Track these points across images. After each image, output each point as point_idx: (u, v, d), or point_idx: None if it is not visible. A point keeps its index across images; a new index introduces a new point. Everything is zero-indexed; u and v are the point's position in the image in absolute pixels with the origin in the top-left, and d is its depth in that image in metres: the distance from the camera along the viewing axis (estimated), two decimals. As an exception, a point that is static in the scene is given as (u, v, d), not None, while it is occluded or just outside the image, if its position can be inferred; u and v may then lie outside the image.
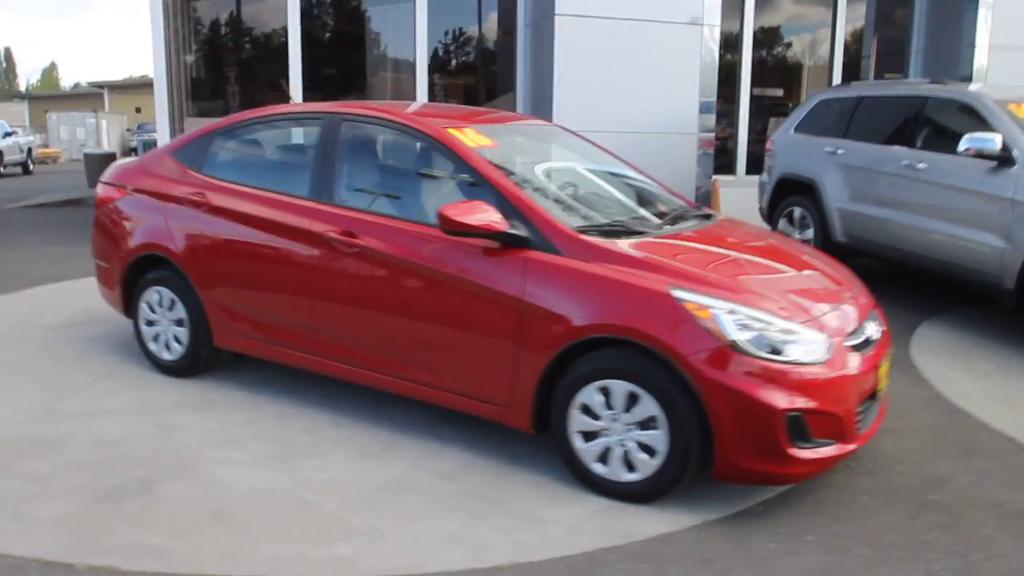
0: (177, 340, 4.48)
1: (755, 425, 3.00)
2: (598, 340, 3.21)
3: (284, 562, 2.79)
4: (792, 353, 3.04)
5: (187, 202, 4.34)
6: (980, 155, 5.65)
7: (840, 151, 7.15)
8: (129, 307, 4.71)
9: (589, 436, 3.30)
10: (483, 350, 3.46)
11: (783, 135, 8.04)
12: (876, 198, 6.68)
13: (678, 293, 3.12)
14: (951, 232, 5.90)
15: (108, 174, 4.91)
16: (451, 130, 3.79)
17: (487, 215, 3.36)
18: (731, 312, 3.06)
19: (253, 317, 4.17)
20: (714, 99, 9.23)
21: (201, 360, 4.47)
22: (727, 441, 3.03)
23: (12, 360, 4.80)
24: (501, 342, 3.40)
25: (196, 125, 5.83)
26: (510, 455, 3.65)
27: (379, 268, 3.70)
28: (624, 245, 3.39)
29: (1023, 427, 4.08)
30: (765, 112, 10.85)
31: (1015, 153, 5.52)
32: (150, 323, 4.58)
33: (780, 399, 2.98)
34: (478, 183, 3.59)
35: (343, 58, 9.86)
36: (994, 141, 5.56)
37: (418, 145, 3.99)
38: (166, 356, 4.54)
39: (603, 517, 3.15)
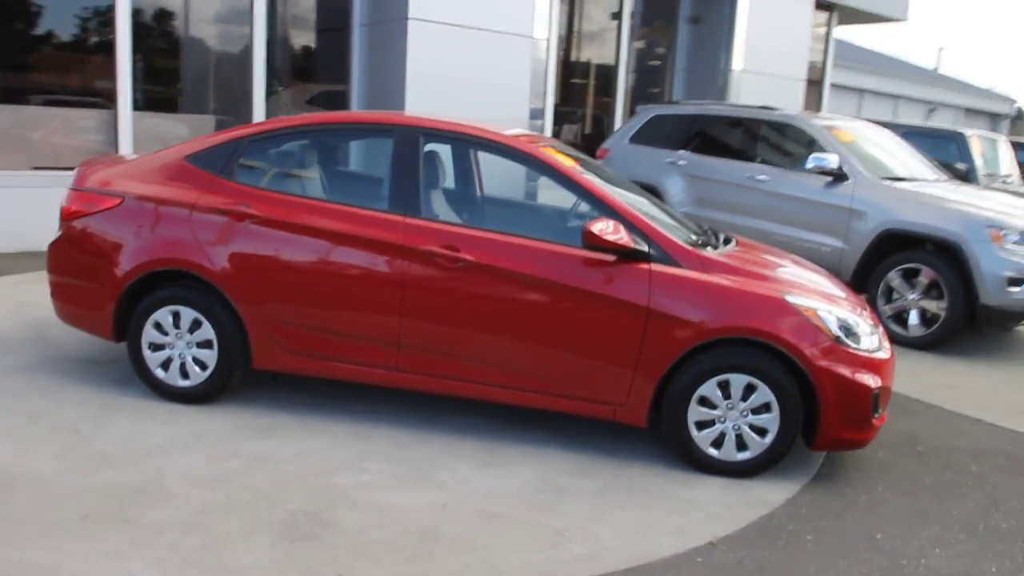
0: (199, 364, 4.10)
1: (854, 403, 3.70)
2: (719, 340, 3.70)
3: (538, 567, 2.92)
4: (865, 343, 3.79)
5: (225, 213, 3.99)
6: (820, 171, 6.97)
7: (682, 162, 8.23)
8: (118, 331, 4.18)
9: (703, 425, 3.78)
10: (604, 355, 3.77)
11: (618, 145, 8.98)
12: (720, 204, 7.83)
13: (790, 298, 3.72)
14: (794, 235, 7.18)
15: (83, 180, 4.27)
16: (549, 150, 4.00)
17: (621, 233, 3.68)
18: (829, 312, 3.74)
19: (313, 334, 3.99)
20: (542, 106, 9.94)
21: (230, 385, 4.14)
22: (832, 418, 3.69)
23: (-38, 401, 4.02)
24: (624, 347, 3.74)
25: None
26: (605, 450, 3.99)
27: (489, 282, 3.81)
28: (725, 257, 3.90)
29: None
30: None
31: (847, 170, 6.92)
32: (157, 347, 4.12)
33: (870, 380, 3.72)
34: (592, 204, 3.87)
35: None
36: (832, 160, 6.91)
37: (516, 165, 4.11)
38: (182, 383, 4.13)
39: (734, 492, 3.66)
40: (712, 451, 3.79)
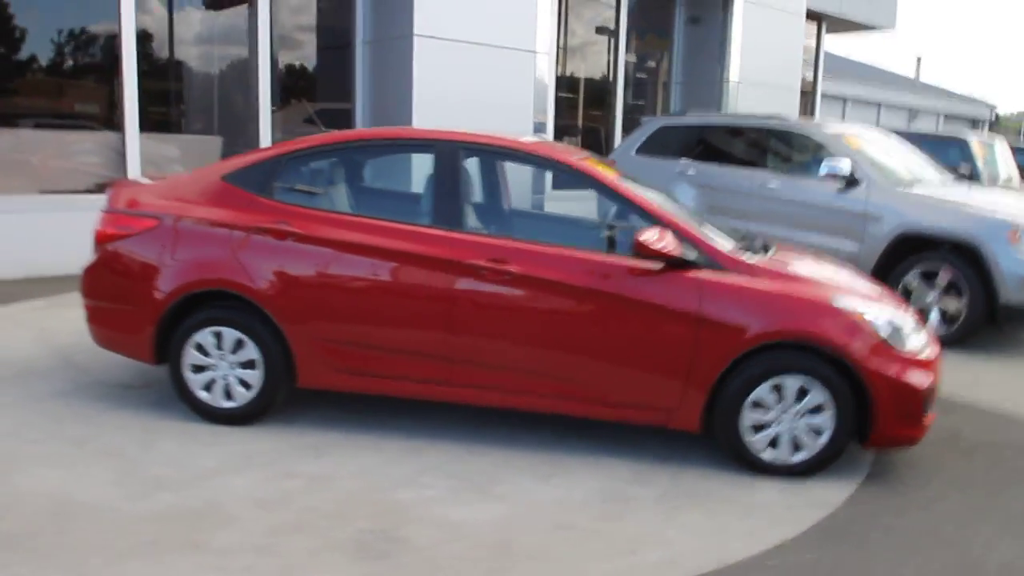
0: (244, 384, 4.06)
1: (906, 402, 3.72)
2: (769, 344, 3.70)
3: (622, 573, 2.90)
4: (912, 343, 3.81)
5: (267, 232, 3.96)
6: (834, 177, 7.03)
7: (691, 171, 8.28)
8: (158, 353, 4.14)
9: (757, 428, 3.77)
10: (655, 363, 3.76)
11: (624, 155, 9.01)
12: (732, 212, 7.86)
13: (839, 302, 3.74)
14: (808, 240, 7.22)
15: (117, 202, 4.23)
16: (591, 162, 4.01)
17: (671, 242, 3.69)
18: (877, 314, 3.76)
19: (360, 352, 3.96)
20: (545, 120, 9.98)
21: (274, 404, 4.10)
22: (886, 417, 3.70)
23: (19, 425, 3.94)
24: (676, 354, 3.73)
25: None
26: (658, 456, 3.98)
27: (536, 293, 3.80)
28: (769, 262, 3.92)
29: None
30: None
31: (860, 175, 6.98)
32: (199, 368, 4.08)
33: (920, 379, 3.74)
34: (638, 214, 3.88)
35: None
36: (845, 166, 6.97)
37: (566, 178, 4.12)
38: (227, 404, 4.08)
39: (792, 493, 3.65)
40: (767, 454, 3.79)
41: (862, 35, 15.89)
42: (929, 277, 6.48)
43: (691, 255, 3.76)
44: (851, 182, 7.00)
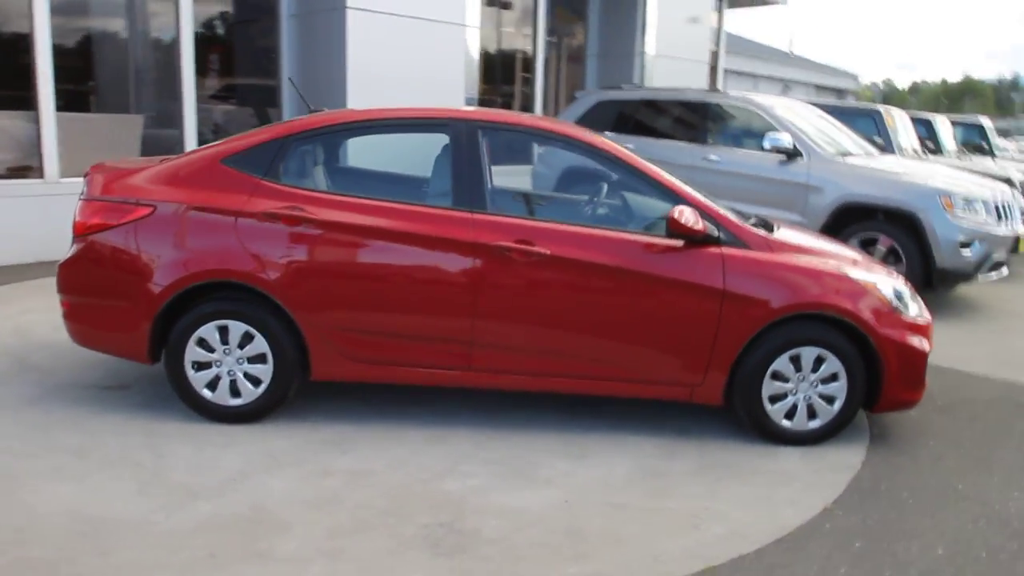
0: (252, 380, 3.85)
1: (912, 366, 3.93)
2: (790, 317, 3.82)
3: (696, 551, 2.94)
4: (912, 311, 4.02)
5: (276, 217, 3.75)
6: (777, 150, 7.29)
7: (630, 146, 8.36)
8: (154, 351, 3.87)
9: (775, 399, 3.90)
10: (681, 338, 3.82)
11: (561, 131, 9.02)
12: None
13: (852, 273, 3.90)
14: (753, 212, 7.46)
15: (102, 188, 3.89)
16: (607, 140, 3.99)
17: (699, 220, 3.73)
18: (886, 283, 3.94)
19: (379, 340, 3.83)
20: (475, 96, 9.85)
21: (285, 399, 3.92)
22: (893, 381, 3.90)
23: (1, 438, 3.60)
24: (701, 329, 3.80)
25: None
26: (676, 430, 4.06)
27: (564, 274, 3.77)
28: (784, 237, 4.03)
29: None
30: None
31: (801, 148, 7.27)
32: (201, 366, 3.84)
33: (922, 344, 3.95)
34: (661, 192, 3.90)
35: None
36: (786, 139, 7.24)
37: (579, 156, 4.07)
38: (234, 402, 3.86)
39: (812, 459, 3.80)
40: (785, 422, 3.92)
41: (756, 10, 16.47)
42: (868, 245, 6.83)
43: (715, 232, 3.82)
44: (792, 154, 7.28)
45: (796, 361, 3.86)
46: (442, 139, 3.92)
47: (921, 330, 3.97)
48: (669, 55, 12.59)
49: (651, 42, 12.29)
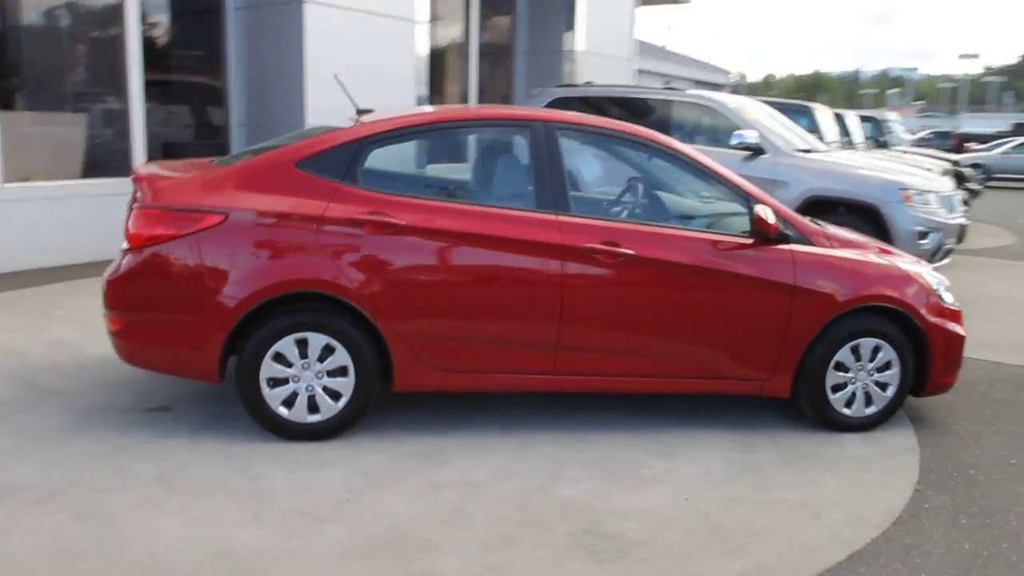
0: (331, 395, 3.70)
1: (954, 351, 4.22)
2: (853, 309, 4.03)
3: (833, 538, 3.07)
4: (948, 298, 4.32)
5: (359, 224, 3.61)
6: (743, 147, 7.59)
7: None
8: (223, 368, 3.66)
9: (837, 388, 4.10)
10: (756, 333, 3.95)
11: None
12: (638, 182, 8.22)
13: (902, 265, 4.14)
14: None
15: (163, 195, 3.62)
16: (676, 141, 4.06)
17: (775, 219, 3.87)
18: (931, 274, 4.22)
19: (464, 347, 3.76)
20: (426, 93, 9.72)
21: (365, 413, 3.78)
22: (938, 367, 4.18)
23: (67, 471, 3.29)
24: (774, 324, 3.95)
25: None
26: (741, 423, 4.19)
27: (648, 274, 3.82)
28: (839, 233, 4.23)
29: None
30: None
31: (764, 145, 7.60)
32: (277, 382, 3.66)
33: (961, 330, 4.25)
34: (734, 193, 4.00)
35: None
36: (752, 136, 7.55)
37: (653, 157, 4.10)
38: (312, 418, 3.70)
39: (874, 444, 4.02)
40: (845, 410, 4.12)
41: (668, 8, 16.97)
42: (832, 236, 7.22)
43: (787, 230, 3.97)
44: (757, 151, 7.59)
45: (855, 351, 4.07)
46: (516, 140, 3.89)
47: (957, 316, 4.27)
48: (596, 52, 12.82)
49: (580, 39, 12.47)
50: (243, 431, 3.80)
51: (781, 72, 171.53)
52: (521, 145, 3.90)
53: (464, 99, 11.93)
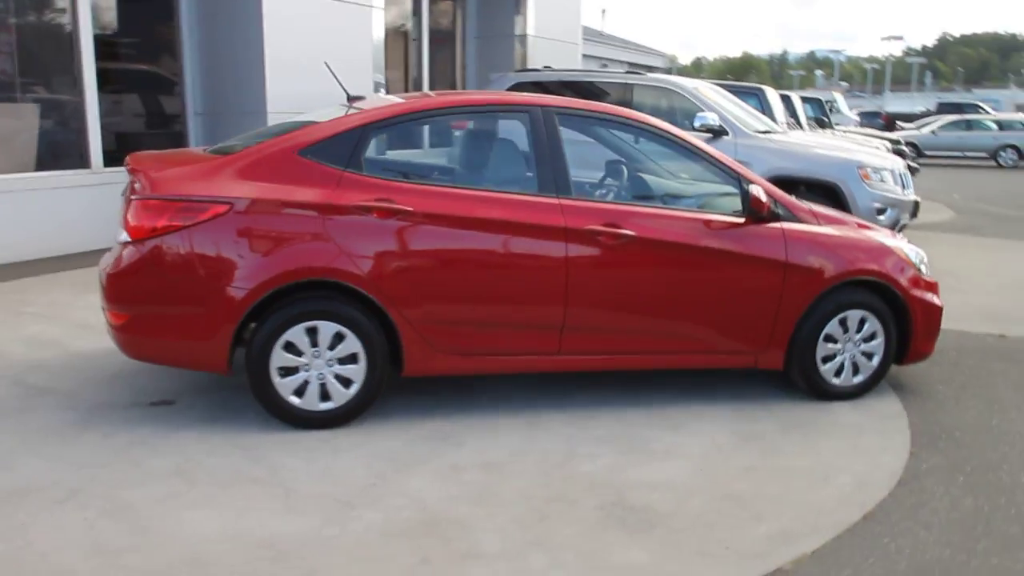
0: (343, 382, 3.71)
1: (933, 321, 4.43)
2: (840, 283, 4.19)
3: (847, 500, 3.21)
4: (925, 270, 4.53)
5: (367, 210, 3.61)
6: (706, 129, 7.76)
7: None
8: (230, 360, 3.63)
9: (826, 359, 4.27)
10: (752, 309, 4.09)
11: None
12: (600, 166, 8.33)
13: (885, 240, 4.33)
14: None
15: (164, 186, 3.55)
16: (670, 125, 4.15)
17: (767, 198, 4.00)
18: (911, 248, 4.42)
19: (472, 330, 3.81)
20: (383, 79, 9.65)
21: (375, 399, 3.80)
22: (919, 336, 4.39)
23: (81, 467, 3.22)
24: (768, 299, 4.09)
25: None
26: (733, 395, 4.33)
27: (649, 254, 3.92)
28: (822, 210, 4.39)
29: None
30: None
31: (726, 126, 7.79)
32: (287, 371, 3.64)
33: (938, 300, 4.47)
34: (726, 174, 4.12)
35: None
36: (714, 119, 7.73)
37: (650, 140, 4.18)
38: (324, 406, 3.70)
39: (864, 411, 4.19)
40: (835, 380, 4.30)
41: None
42: (793, 214, 7.45)
43: (775, 208, 4.11)
44: (718, 133, 7.77)
45: (843, 323, 4.24)
46: (515, 124, 3.93)
47: (934, 287, 4.48)
48: (545, 36, 12.87)
49: (530, 24, 12.50)
50: (251, 421, 3.78)
51: (710, 55, 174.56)
52: (521, 130, 3.94)
53: (417, 85, 11.87)
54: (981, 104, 31.85)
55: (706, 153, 4.19)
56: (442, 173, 4.03)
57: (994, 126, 23.84)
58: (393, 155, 3.93)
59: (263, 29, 7.91)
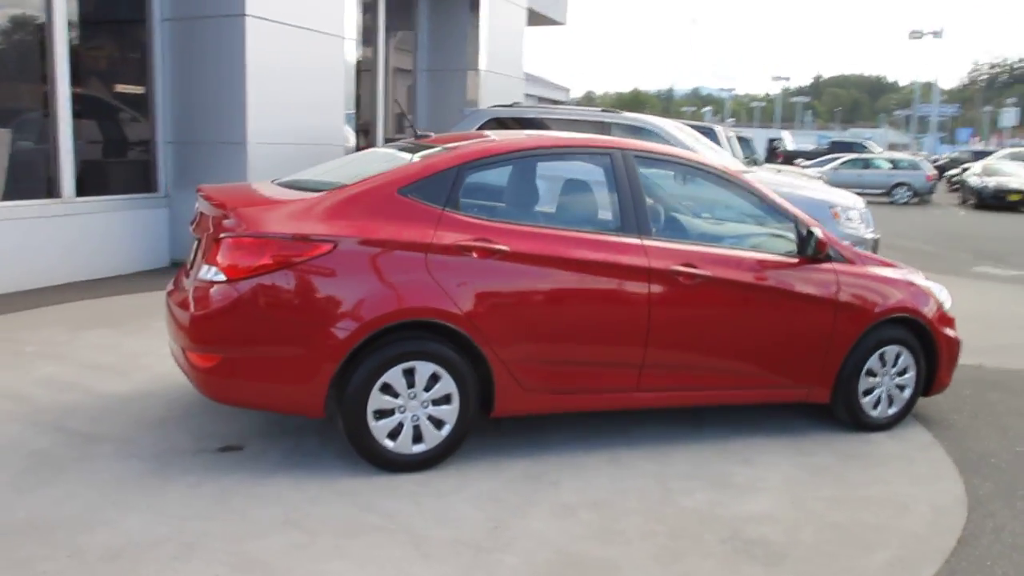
0: (435, 423, 3.69)
1: (953, 354, 4.78)
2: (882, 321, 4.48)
3: (936, 523, 3.43)
4: (948, 306, 4.87)
5: (468, 250, 3.63)
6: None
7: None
8: (326, 404, 3.56)
9: (867, 392, 4.54)
10: (808, 345, 4.31)
11: (453, 148, 9.11)
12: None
13: (916, 280, 4.65)
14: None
15: (267, 225, 3.46)
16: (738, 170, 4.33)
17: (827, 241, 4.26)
18: (939, 288, 4.76)
19: (560, 369, 3.86)
20: (353, 111, 9.58)
21: (463, 441, 3.79)
22: (943, 369, 4.72)
23: (206, 523, 3.08)
24: (821, 336, 4.33)
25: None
26: (778, 428, 4.54)
27: (719, 294, 4.08)
28: (858, 250, 4.68)
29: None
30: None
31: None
32: (382, 414, 3.60)
33: (957, 335, 4.82)
34: (788, 219, 4.34)
35: None
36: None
37: (719, 187, 4.35)
38: (417, 448, 3.66)
39: (902, 440, 4.48)
40: (873, 412, 4.56)
41: (545, 29, 17.54)
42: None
43: (830, 251, 4.36)
44: (695, 172, 8.09)
45: (882, 358, 4.52)
46: (597, 166, 4.06)
47: (953, 323, 4.83)
48: (495, 71, 13.06)
49: (483, 58, 12.66)
50: (334, 465, 3.71)
51: (599, 89, 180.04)
52: (603, 172, 4.06)
53: (374, 118, 11.80)
54: (869, 144, 34.05)
55: (767, 197, 4.40)
56: (532, 213, 4.08)
57: (887, 165, 25.55)
58: (486, 194, 3.95)
59: (246, 60, 7.74)
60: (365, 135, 11.53)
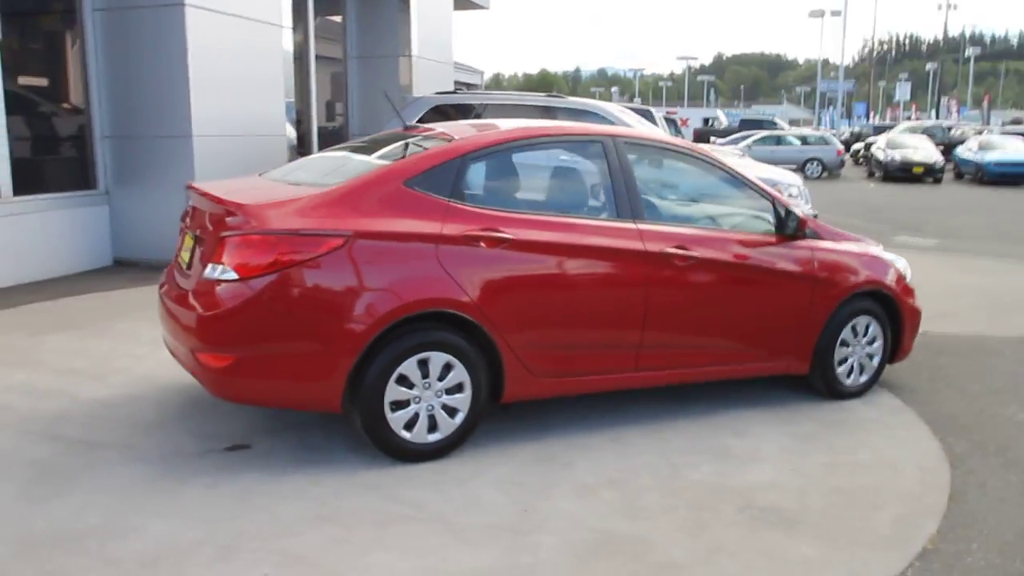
0: (449, 412, 3.73)
1: (916, 323, 5.08)
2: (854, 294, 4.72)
3: (925, 486, 3.68)
4: (909, 278, 5.16)
5: (477, 241, 3.67)
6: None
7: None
8: (343, 398, 3.56)
9: (840, 362, 4.79)
10: (790, 320, 4.52)
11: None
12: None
13: (883, 254, 4.92)
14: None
15: (276, 221, 3.40)
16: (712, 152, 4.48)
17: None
18: (898, 260, 5.04)
19: (564, 353, 3.95)
20: (292, 100, 9.39)
21: (475, 427, 3.84)
22: (907, 337, 5.02)
23: (238, 522, 3.04)
24: (800, 310, 4.54)
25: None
26: (757, 401, 4.75)
27: (710, 274, 4.24)
28: (828, 227, 4.91)
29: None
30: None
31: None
32: (398, 405, 3.62)
33: (919, 305, 5.12)
34: (764, 198, 4.51)
35: None
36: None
37: (701, 170, 4.47)
38: (432, 437, 3.70)
39: (874, 407, 4.74)
40: (847, 381, 4.82)
41: (470, 13, 17.48)
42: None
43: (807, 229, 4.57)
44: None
45: (853, 329, 4.77)
46: (593, 153, 4.14)
47: (914, 293, 5.13)
48: (427, 57, 12.97)
49: (414, 44, 12.55)
50: (348, 458, 3.72)
51: (507, 71, 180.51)
52: (597, 158, 4.15)
53: (307, 105, 11.56)
54: (777, 120, 35.25)
55: (746, 179, 4.57)
56: (533, 201, 4.13)
57: (798, 141, 26.53)
58: (488, 184, 3.99)
59: (187, 50, 7.49)
60: (298, 124, 11.30)
